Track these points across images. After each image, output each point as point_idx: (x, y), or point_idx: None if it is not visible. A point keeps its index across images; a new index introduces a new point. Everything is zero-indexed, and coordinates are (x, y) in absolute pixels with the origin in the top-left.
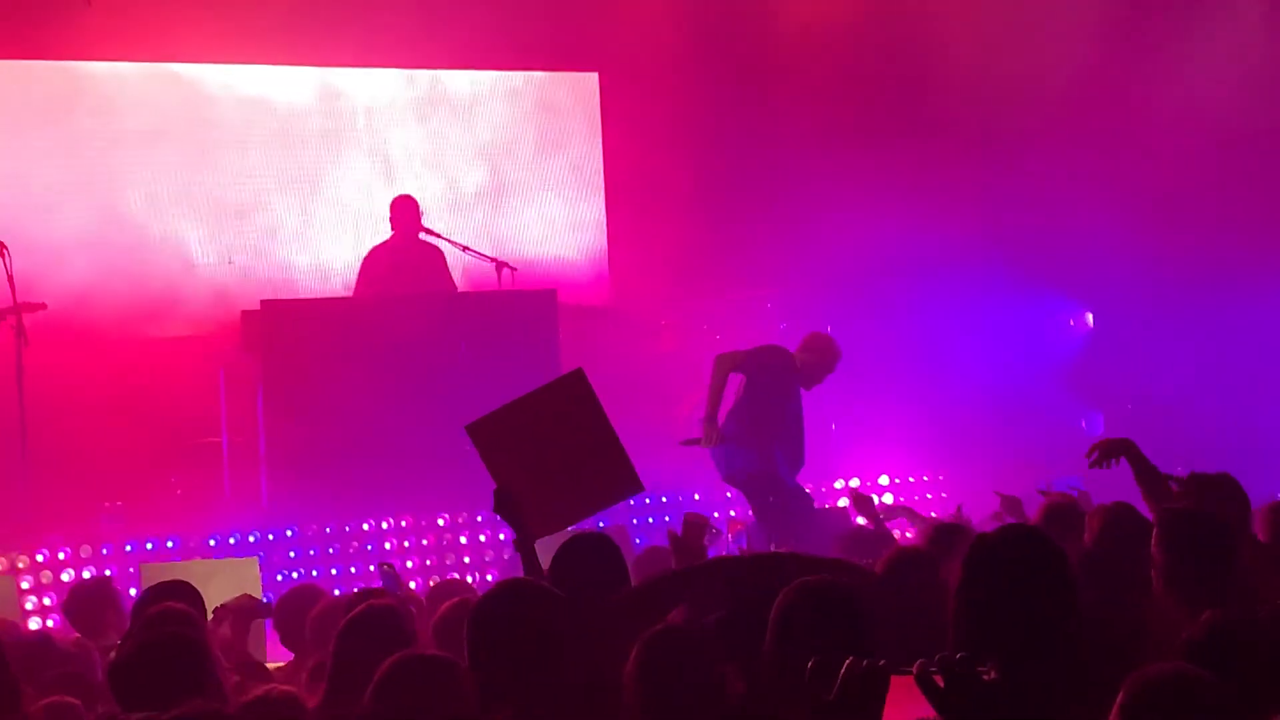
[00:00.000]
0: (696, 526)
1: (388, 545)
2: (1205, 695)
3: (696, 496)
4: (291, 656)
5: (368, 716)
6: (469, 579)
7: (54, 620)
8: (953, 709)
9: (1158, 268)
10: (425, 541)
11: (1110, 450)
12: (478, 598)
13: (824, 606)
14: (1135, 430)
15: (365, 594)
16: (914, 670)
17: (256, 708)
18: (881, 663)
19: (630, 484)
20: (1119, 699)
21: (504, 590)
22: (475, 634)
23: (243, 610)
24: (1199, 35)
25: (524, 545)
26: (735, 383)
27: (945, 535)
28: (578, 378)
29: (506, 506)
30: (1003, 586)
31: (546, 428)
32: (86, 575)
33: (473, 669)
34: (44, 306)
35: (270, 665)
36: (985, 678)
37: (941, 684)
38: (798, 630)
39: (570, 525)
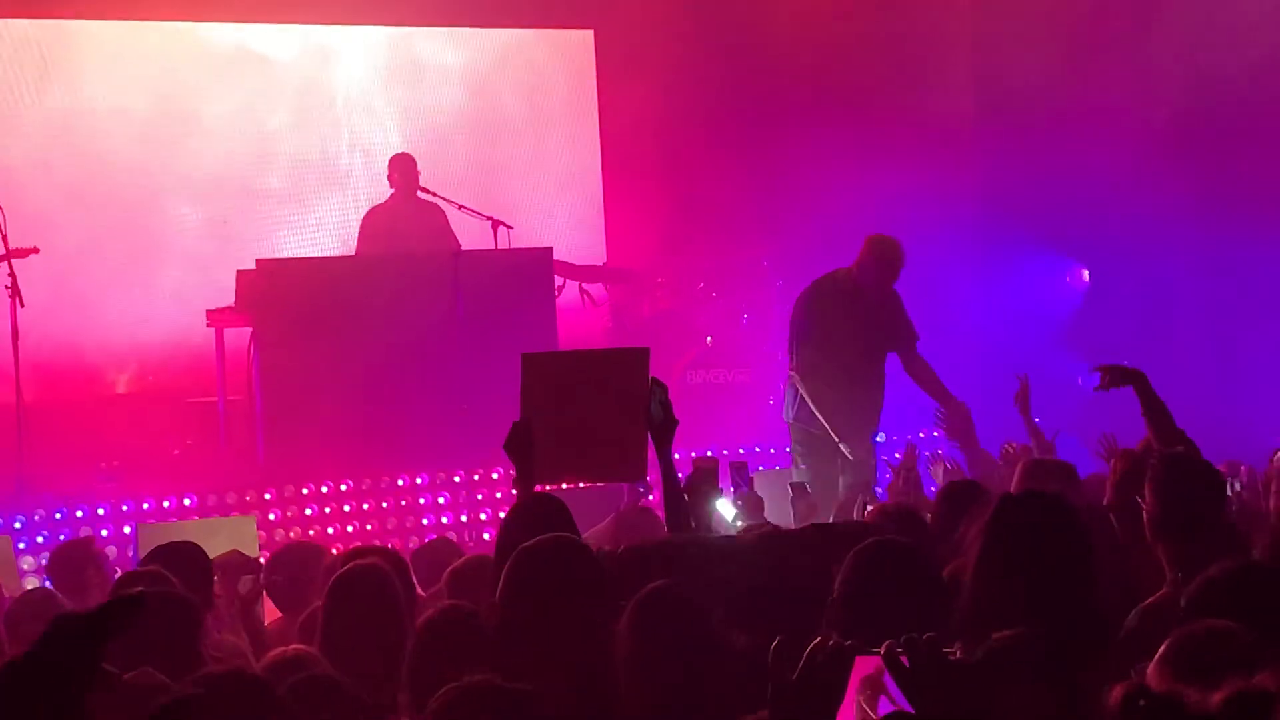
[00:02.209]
0: (707, 471)
1: (384, 504)
2: (1246, 652)
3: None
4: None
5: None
6: (466, 537)
7: (49, 581)
8: (919, 689)
9: (1155, 224)
10: (422, 500)
11: (1120, 377)
12: (471, 553)
13: (902, 565)
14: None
15: (358, 552)
16: (880, 650)
17: (279, 668)
18: (848, 643)
19: (636, 471)
20: (1161, 651)
21: (549, 542)
22: (513, 579)
23: (230, 565)
24: None
25: (522, 486)
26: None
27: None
28: (641, 355)
29: (519, 443)
30: (1022, 553)
31: (590, 386)
32: (84, 535)
33: (503, 611)
34: (36, 251)
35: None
36: (951, 658)
37: (907, 664)
38: (875, 589)
39: (569, 481)
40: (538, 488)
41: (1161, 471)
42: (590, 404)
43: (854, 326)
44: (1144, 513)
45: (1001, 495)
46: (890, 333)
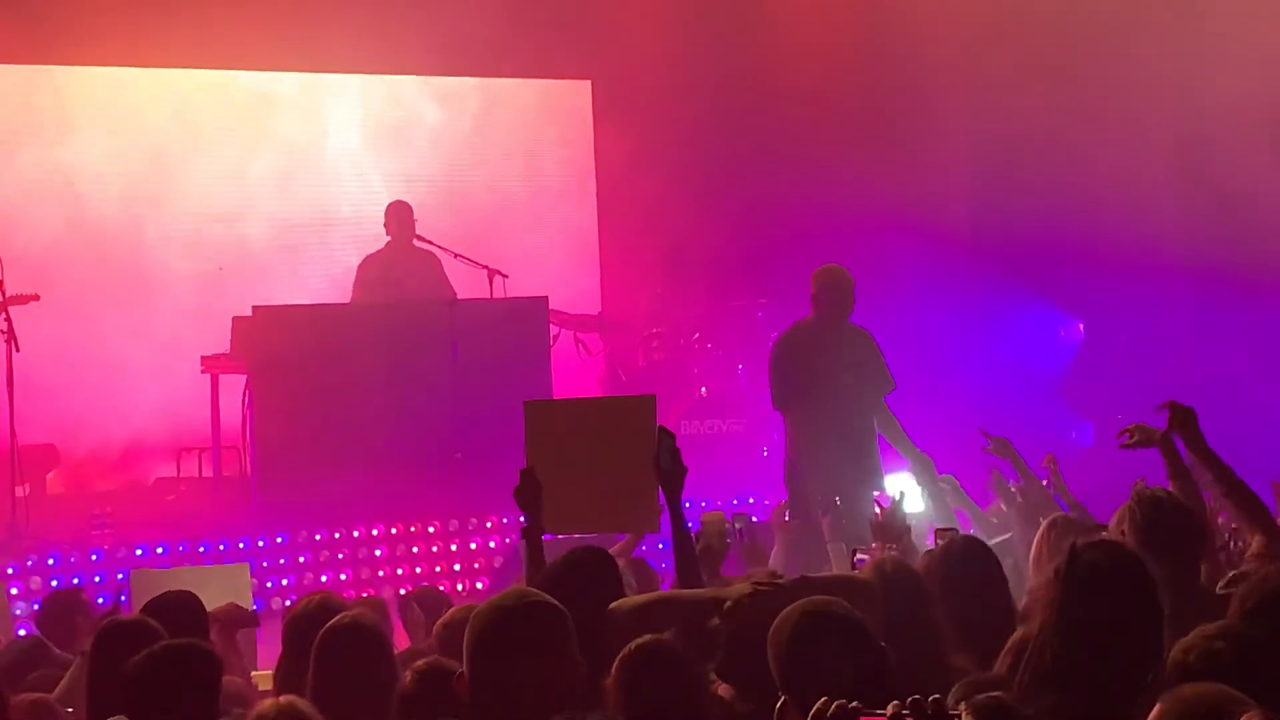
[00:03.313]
0: (715, 525)
1: (378, 552)
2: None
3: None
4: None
5: None
6: (459, 586)
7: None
8: None
9: (1150, 277)
10: (415, 549)
11: (1146, 440)
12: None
13: (835, 628)
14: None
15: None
16: (887, 713)
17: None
18: (853, 704)
19: (649, 522)
20: (1155, 712)
21: (510, 600)
22: (476, 642)
23: (230, 620)
24: (1195, 37)
25: (532, 535)
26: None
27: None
28: (648, 403)
29: (528, 491)
30: (1102, 605)
31: (597, 434)
32: (75, 581)
33: (470, 677)
34: (36, 298)
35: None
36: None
37: None
38: (811, 652)
39: (579, 533)
40: (546, 538)
41: (1140, 512)
42: (597, 453)
43: (833, 373)
44: None
45: (1072, 544)
46: (865, 375)
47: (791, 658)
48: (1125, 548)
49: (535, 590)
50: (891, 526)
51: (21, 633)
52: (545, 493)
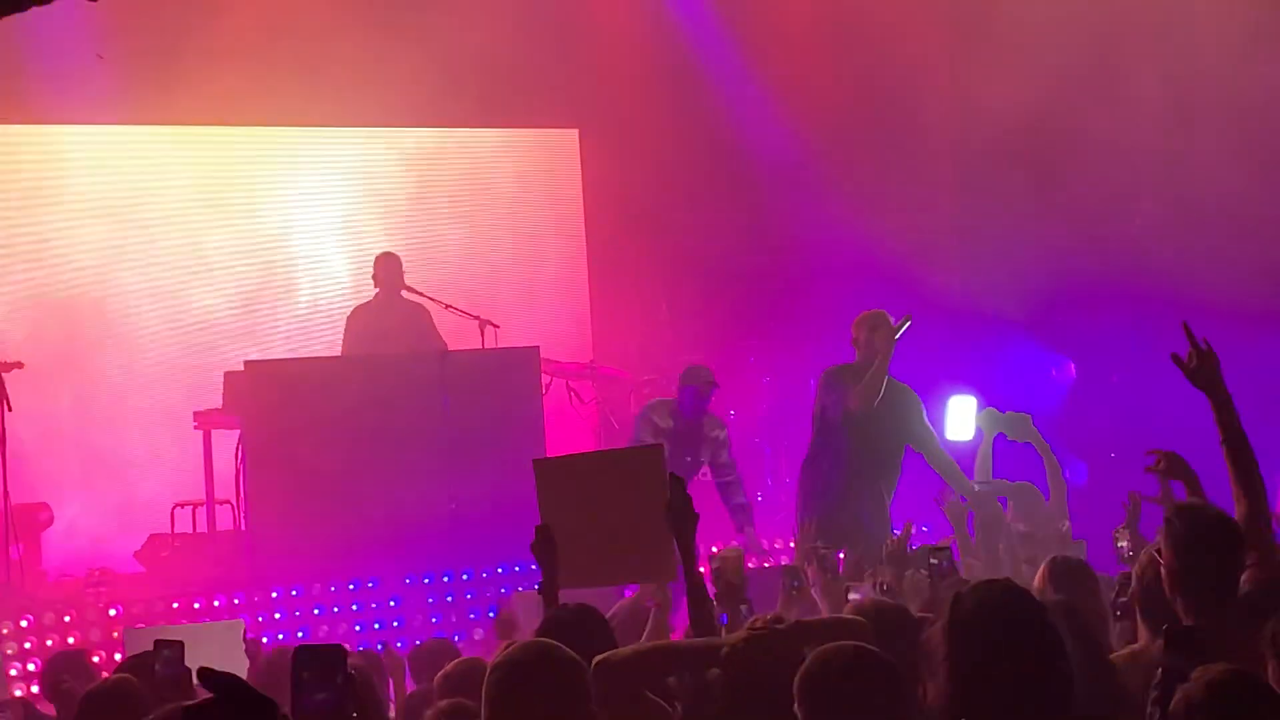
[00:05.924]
0: (733, 561)
1: (373, 604)
2: None
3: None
4: None
5: None
6: (455, 637)
7: (37, 687)
8: None
9: (1141, 314)
10: (410, 601)
11: (1173, 470)
12: (466, 656)
13: (865, 673)
14: (1120, 481)
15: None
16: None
17: None
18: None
19: (666, 570)
20: None
21: (529, 654)
22: (496, 694)
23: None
24: (1175, 69)
25: (549, 590)
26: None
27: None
28: (656, 454)
29: (544, 547)
30: (988, 651)
31: (607, 488)
32: (70, 640)
33: None
34: (20, 366)
35: None
36: None
37: None
38: (839, 697)
39: (596, 585)
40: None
41: (1179, 524)
42: (609, 505)
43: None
44: (1162, 568)
45: (957, 591)
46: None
47: (826, 697)
48: (1011, 584)
49: (552, 642)
50: (900, 556)
51: (18, 693)
52: (561, 548)
